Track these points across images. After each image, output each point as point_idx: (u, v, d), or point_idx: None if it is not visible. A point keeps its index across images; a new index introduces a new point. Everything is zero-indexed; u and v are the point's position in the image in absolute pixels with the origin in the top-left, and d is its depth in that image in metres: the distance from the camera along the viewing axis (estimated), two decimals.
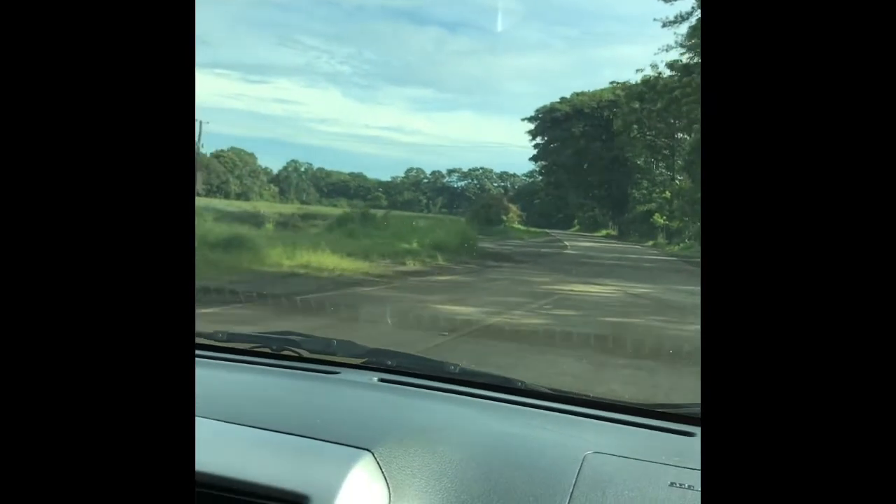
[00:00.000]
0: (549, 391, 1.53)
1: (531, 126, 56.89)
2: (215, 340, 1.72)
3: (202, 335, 1.67)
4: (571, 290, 13.15)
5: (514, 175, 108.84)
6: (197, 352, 1.56)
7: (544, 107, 56.15)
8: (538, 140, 57.59)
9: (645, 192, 51.77)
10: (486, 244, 30.09)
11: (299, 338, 1.71)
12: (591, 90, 54.65)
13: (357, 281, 12.71)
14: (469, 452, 1.16)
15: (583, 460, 1.13)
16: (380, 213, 31.02)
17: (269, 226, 23.35)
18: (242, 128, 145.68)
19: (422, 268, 16.37)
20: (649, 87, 41.19)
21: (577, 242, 41.18)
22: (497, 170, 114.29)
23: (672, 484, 1.07)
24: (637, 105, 46.80)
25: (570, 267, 20.12)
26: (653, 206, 48.39)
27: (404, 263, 16.81)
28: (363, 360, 1.66)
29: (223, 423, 1.17)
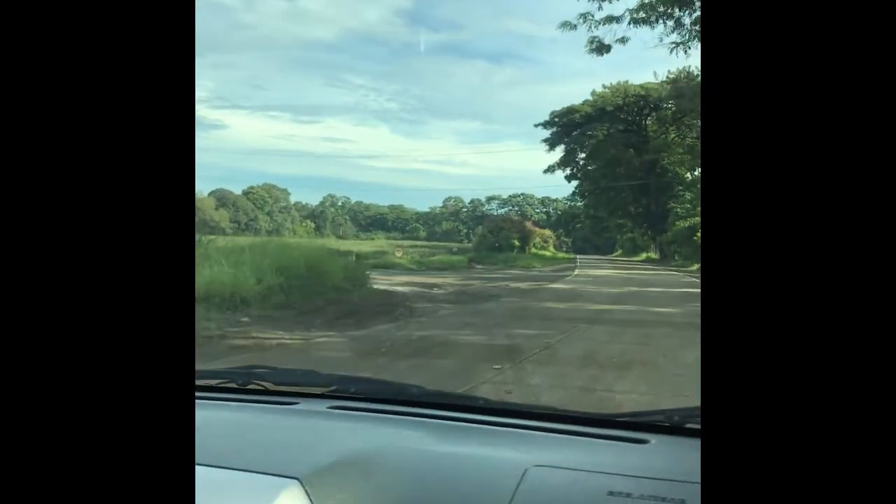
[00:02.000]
0: (502, 406, 1.49)
1: (547, 133, 44.95)
2: None
3: None
4: None
5: (557, 200, 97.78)
6: None
7: (560, 110, 44.22)
8: (559, 151, 45.59)
9: (689, 205, 39.60)
10: (429, 278, 18.86)
11: (264, 370, 1.61)
12: (615, 82, 42.52)
13: None
14: (404, 475, 1.12)
15: (524, 474, 1.08)
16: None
17: None
18: (291, 166, 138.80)
19: None
20: (688, 79, 29.52)
21: (589, 270, 29.50)
22: (539, 195, 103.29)
23: (610, 493, 1.02)
24: (671, 104, 35.18)
25: (437, 339, 8.64)
26: (697, 220, 36.10)
27: None
28: (327, 388, 1.55)
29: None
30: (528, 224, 52.36)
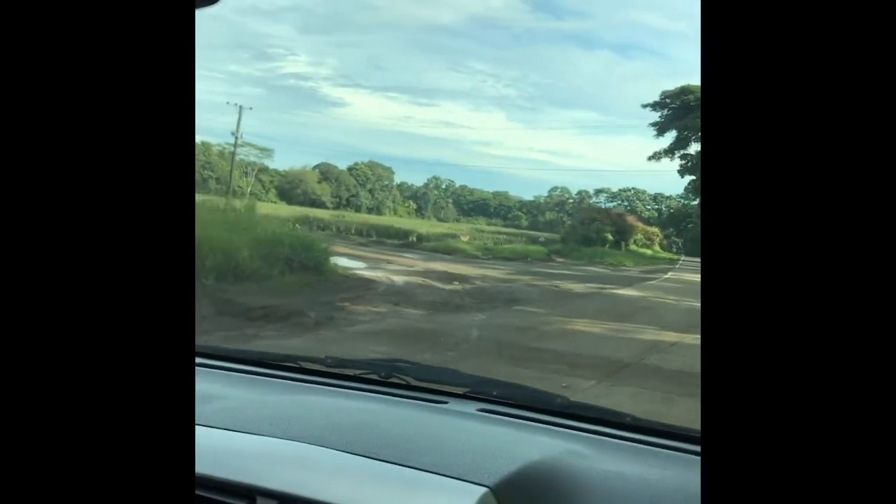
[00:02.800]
0: (661, 427, 1.37)
1: (656, 116, 38.59)
2: (323, 365, 1.62)
3: (310, 359, 1.62)
4: None
5: (670, 197, 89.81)
6: (305, 377, 1.58)
7: (673, 89, 37.82)
8: (668, 137, 39.23)
9: None
10: (472, 269, 14.33)
11: (406, 365, 1.58)
12: None
13: None
14: (591, 494, 1.07)
15: None
16: None
17: None
18: (404, 147, 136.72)
19: None
20: None
21: (686, 275, 23.84)
22: (652, 191, 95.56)
23: None
24: None
25: None
26: None
27: None
28: (468, 389, 1.50)
29: (337, 451, 1.08)
30: (630, 218, 46.62)
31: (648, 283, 18.75)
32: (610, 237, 37.64)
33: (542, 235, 45.24)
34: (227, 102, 40.71)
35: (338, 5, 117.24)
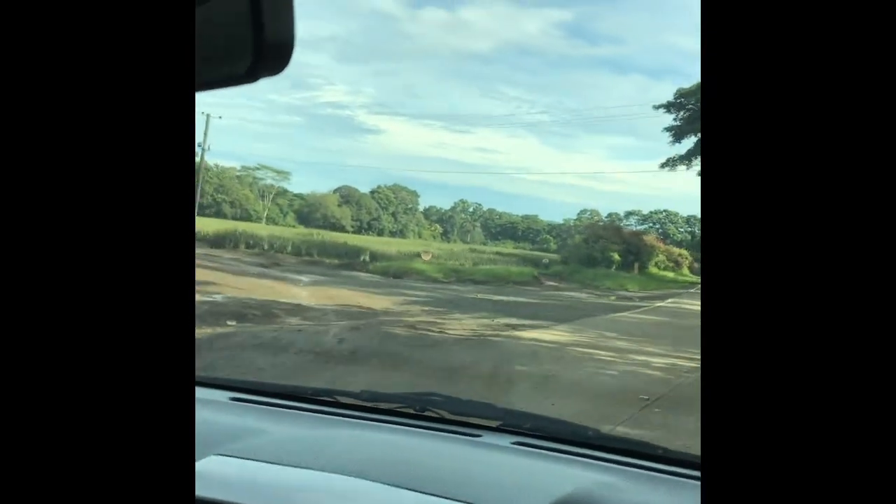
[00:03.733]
0: (694, 459, 1.32)
1: (670, 119, 32.41)
2: (360, 400, 1.59)
3: (346, 394, 1.59)
4: None
5: None
6: (342, 411, 1.56)
7: (689, 87, 31.74)
8: (688, 142, 33.06)
9: None
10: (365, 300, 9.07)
11: (441, 398, 1.57)
12: None
13: None
14: None
15: None
16: None
17: None
18: (438, 173, 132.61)
19: None
20: None
21: (687, 303, 17.71)
22: (684, 213, 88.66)
23: None
24: None
25: None
26: None
27: None
28: (501, 422, 1.49)
29: (376, 484, 1.09)
30: (648, 238, 40.60)
31: (622, 314, 13.05)
32: (616, 257, 31.70)
33: (547, 256, 39.44)
34: (202, 113, 35.90)
35: (374, 35, 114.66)
